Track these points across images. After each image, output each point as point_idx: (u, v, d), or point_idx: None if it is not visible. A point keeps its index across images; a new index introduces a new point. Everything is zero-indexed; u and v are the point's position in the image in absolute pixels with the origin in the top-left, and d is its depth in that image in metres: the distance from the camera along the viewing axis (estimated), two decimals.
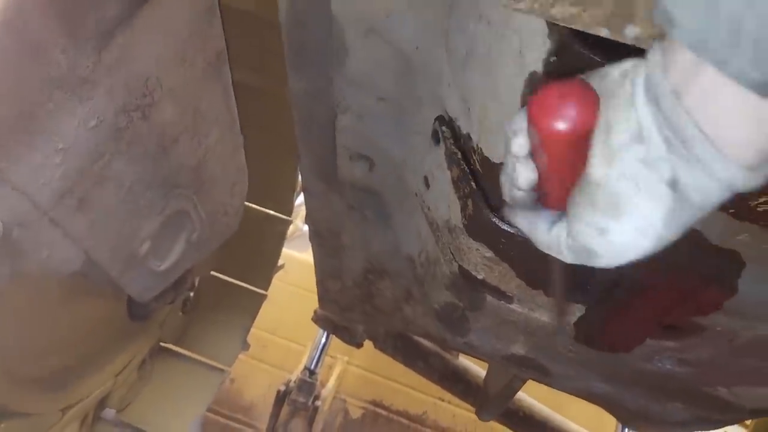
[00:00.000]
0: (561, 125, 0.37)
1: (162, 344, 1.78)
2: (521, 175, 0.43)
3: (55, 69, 0.73)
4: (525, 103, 0.48)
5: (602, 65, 0.38)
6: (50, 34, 0.70)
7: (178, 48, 0.93)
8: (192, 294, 1.89)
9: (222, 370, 1.85)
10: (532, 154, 0.43)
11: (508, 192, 0.46)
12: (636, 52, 0.35)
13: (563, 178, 0.41)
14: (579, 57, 0.45)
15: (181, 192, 1.12)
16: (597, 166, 0.34)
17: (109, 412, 1.62)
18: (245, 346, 1.95)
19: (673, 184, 0.31)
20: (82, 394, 1.39)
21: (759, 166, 0.30)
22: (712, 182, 0.30)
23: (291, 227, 4.24)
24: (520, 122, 0.42)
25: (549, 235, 0.42)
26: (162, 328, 1.71)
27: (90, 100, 0.80)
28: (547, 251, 0.43)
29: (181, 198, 1.11)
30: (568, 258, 0.40)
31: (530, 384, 1.52)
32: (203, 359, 1.81)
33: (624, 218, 0.33)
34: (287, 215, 1.94)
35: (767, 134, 0.28)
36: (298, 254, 3.25)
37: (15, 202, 0.76)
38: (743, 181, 0.30)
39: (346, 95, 0.86)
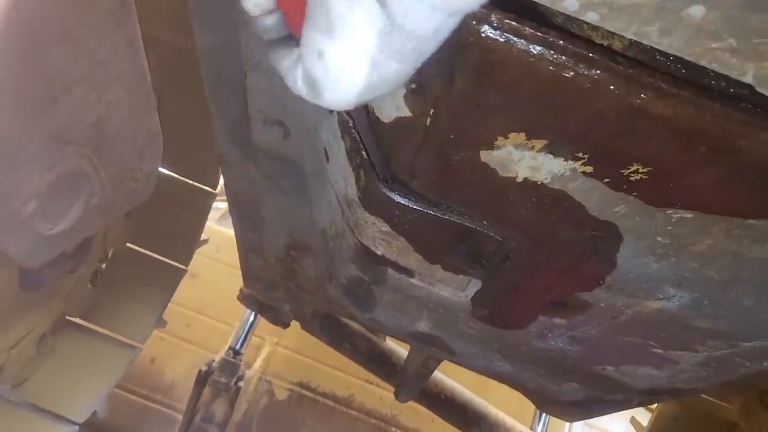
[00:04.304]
0: None
1: (68, 318, 1.67)
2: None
3: None
4: None
5: None
6: None
7: None
8: (104, 266, 1.78)
9: (133, 347, 1.75)
10: None
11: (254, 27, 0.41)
12: None
13: None
14: None
15: (77, 150, 1.03)
16: None
17: (2, 388, 1.50)
18: (161, 322, 1.86)
19: (382, 2, 0.29)
20: None
21: None
22: (417, 4, 0.29)
23: (225, 205, 4.09)
24: None
25: (291, 71, 0.38)
26: (67, 301, 1.60)
27: None
28: (292, 90, 0.39)
29: (75, 156, 1.02)
30: (303, 92, 0.37)
31: (456, 369, 1.54)
32: (112, 334, 1.71)
33: (338, 37, 0.31)
34: (212, 188, 1.86)
35: None
36: (231, 232, 3.15)
37: None
38: (454, 3, 0.29)
39: (255, 50, 0.81)
